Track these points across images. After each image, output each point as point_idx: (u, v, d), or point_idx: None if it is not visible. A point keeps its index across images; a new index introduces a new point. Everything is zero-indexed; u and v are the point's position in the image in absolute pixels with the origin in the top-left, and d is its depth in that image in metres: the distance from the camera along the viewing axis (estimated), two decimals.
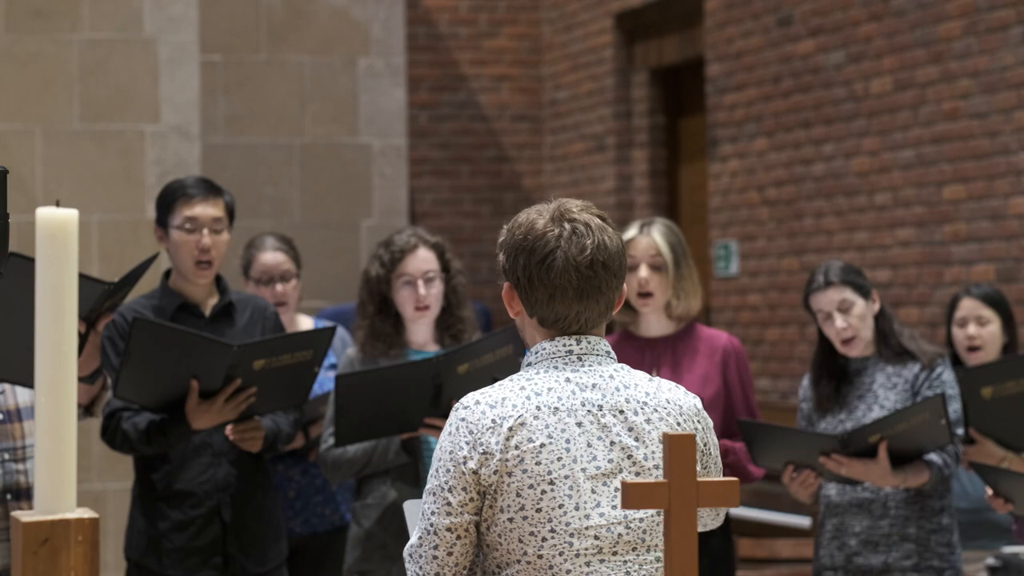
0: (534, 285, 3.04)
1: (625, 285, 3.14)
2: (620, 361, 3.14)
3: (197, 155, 7.09)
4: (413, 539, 3.05)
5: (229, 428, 4.85)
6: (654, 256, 5.03)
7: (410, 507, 3.35)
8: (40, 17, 6.96)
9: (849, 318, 5.12)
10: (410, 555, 3.05)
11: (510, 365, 4.81)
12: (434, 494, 3.01)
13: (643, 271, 5.01)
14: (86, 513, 2.33)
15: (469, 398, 3.04)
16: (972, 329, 5.54)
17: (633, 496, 2.52)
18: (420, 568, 3.02)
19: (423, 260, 5.03)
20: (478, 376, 4.72)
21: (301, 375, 4.84)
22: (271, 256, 5.79)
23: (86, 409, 4.48)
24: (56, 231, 2.37)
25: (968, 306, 5.58)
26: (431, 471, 3.04)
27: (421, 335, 5.08)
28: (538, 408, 2.99)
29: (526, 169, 11.09)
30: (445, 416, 4.73)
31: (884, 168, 8.10)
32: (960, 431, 5.02)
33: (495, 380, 4.39)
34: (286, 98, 8.40)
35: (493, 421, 2.98)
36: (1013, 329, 5.60)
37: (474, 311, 5.26)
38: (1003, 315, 5.57)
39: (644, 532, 2.99)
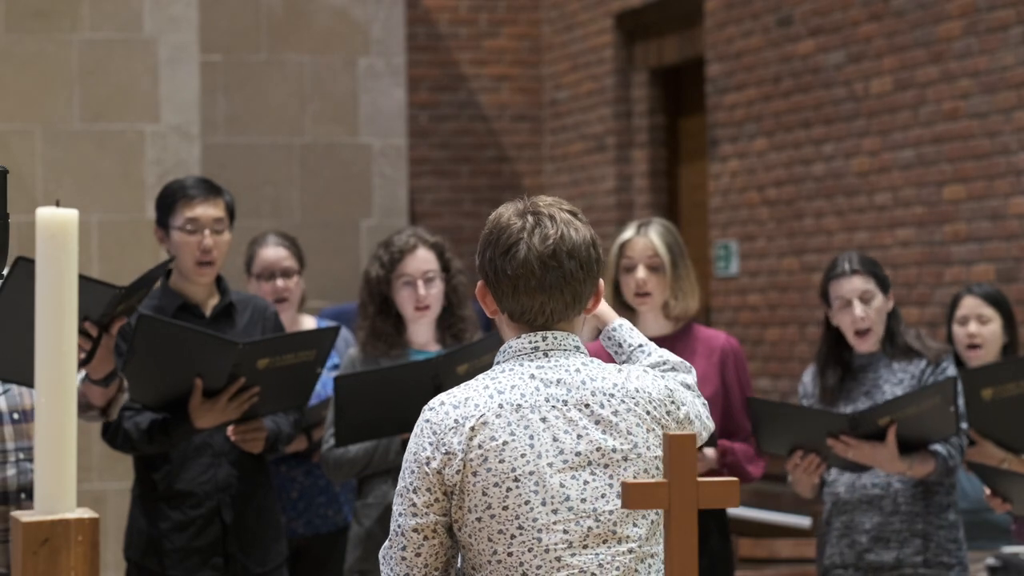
0: (499, 277, 3.05)
1: (600, 281, 3.13)
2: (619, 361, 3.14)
3: (197, 155, 7.09)
4: (386, 541, 3.06)
5: (231, 429, 4.85)
6: (651, 257, 5.03)
7: None
8: (40, 17, 6.96)
9: (868, 309, 5.10)
10: (382, 556, 3.06)
11: None
12: (401, 495, 3.01)
13: (640, 272, 5.01)
14: (86, 513, 2.33)
15: (435, 400, 3.04)
16: (973, 327, 5.54)
17: (633, 496, 2.52)
18: (391, 569, 3.03)
19: (423, 260, 5.03)
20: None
21: (304, 375, 4.85)
22: (272, 251, 5.81)
23: (102, 411, 4.48)
24: (56, 231, 2.36)
25: (970, 304, 5.58)
26: (400, 472, 3.05)
27: (422, 335, 5.08)
28: (500, 406, 2.98)
29: (526, 169, 11.09)
30: None
31: (884, 168, 8.10)
32: (964, 425, 5.02)
33: None
34: (286, 98, 8.40)
35: (456, 421, 2.98)
36: (1014, 329, 5.60)
37: (475, 311, 5.27)
38: (1004, 315, 5.57)
39: (614, 524, 2.98)
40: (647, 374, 3.09)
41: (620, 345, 3.34)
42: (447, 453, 2.97)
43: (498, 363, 3.09)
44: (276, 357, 4.72)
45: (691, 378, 3.26)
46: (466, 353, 4.80)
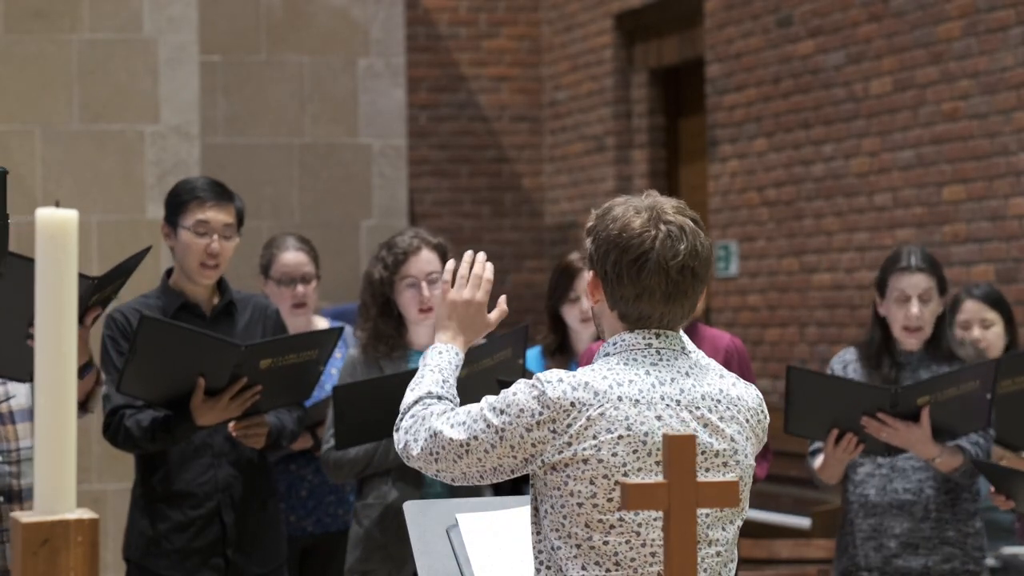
0: (623, 283, 3.06)
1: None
2: None
3: (197, 155, 7.09)
4: (438, 423, 3.12)
5: (232, 425, 4.85)
6: None
7: (411, 508, 3.35)
8: (40, 17, 6.96)
9: (925, 309, 5.04)
10: (403, 427, 3.20)
11: (509, 368, 4.82)
12: (482, 421, 3.06)
13: None
14: (86, 514, 2.33)
15: (552, 373, 3.05)
16: (977, 332, 5.52)
17: (633, 496, 2.52)
18: (428, 426, 3.15)
19: (426, 262, 5.03)
20: (477, 380, 4.72)
21: (306, 373, 4.85)
22: (293, 256, 5.78)
23: (80, 405, 4.48)
24: (56, 232, 2.36)
25: (971, 308, 5.56)
26: (492, 403, 3.08)
27: (424, 337, 5.07)
28: (619, 399, 3.01)
29: (526, 169, 11.09)
30: None
31: (884, 169, 8.10)
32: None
33: (498, 382, 4.41)
34: (286, 98, 8.40)
35: (572, 404, 3.00)
36: (1014, 329, 5.60)
37: None
38: (1005, 315, 5.56)
39: (708, 527, 3.03)
40: (742, 382, 3.14)
41: None
42: (554, 431, 3.00)
43: (607, 354, 3.10)
44: (279, 358, 4.72)
45: None
46: (465, 358, 4.78)
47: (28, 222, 2.74)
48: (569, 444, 2.99)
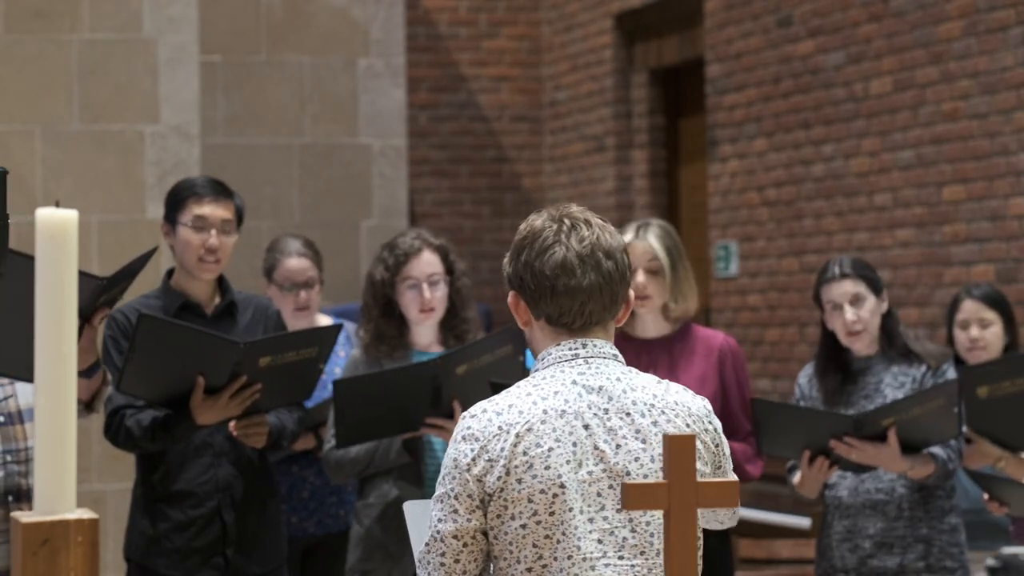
0: (537, 279, 3.04)
1: (631, 291, 3.13)
2: None
3: (197, 155, 7.09)
4: (421, 546, 3.05)
5: (233, 424, 4.85)
6: (651, 260, 5.03)
7: (411, 508, 3.35)
8: (40, 17, 6.96)
9: (860, 311, 5.10)
10: (419, 561, 3.06)
11: (510, 364, 4.82)
12: (441, 501, 3.01)
13: (640, 275, 5.01)
14: (86, 514, 2.33)
15: (477, 407, 3.04)
16: (975, 331, 5.53)
17: (633, 497, 2.52)
18: (428, 575, 3.02)
19: (428, 263, 5.03)
20: (478, 376, 4.72)
21: (306, 372, 4.85)
22: (296, 262, 5.80)
23: (86, 405, 4.48)
24: (56, 232, 2.36)
25: (970, 308, 5.57)
26: (439, 478, 3.04)
27: (425, 337, 5.08)
28: (545, 412, 2.98)
29: (526, 170, 11.09)
30: (446, 416, 4.73)
31: (884, 169, 8.10)
32: (963, 428, 5.02)
33: (491, 385, 4.41)
34: (286, 98, 8.40)
35: (499, 428, 2.98)
36: (1014, 330, 5.60)
37: (478, 313, 5.26)
38: (1004, 316, 5.57)
39: (652, 536, 2.99)
40: (687, 391, 3.10)
41: None
42: (490, 460, 2.97)
43: (537, 370, 3.08)
44: (278, 355, 4.73)
45: None
46: (465, 354, 4.79)
47: (28, 222, 2.74)
48: (504, 468, 2.95)
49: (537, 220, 3.10)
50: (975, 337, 5.52)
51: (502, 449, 2.96)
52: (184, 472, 4.92)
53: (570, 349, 3.05)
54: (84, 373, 4.36)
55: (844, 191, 8.37)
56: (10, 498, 4.19)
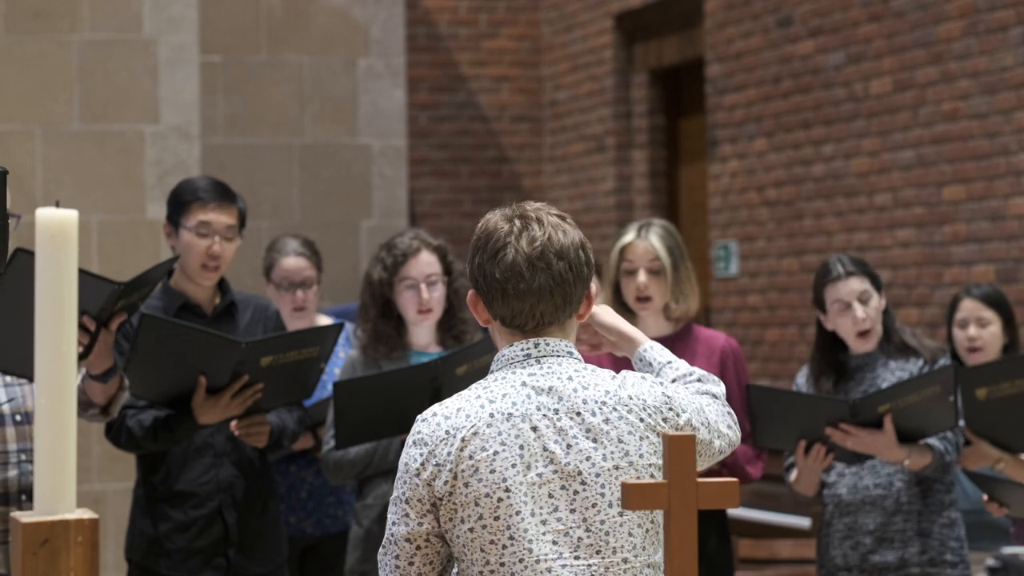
0: (489, 282, 3.02)
1: (593, 285, 3.11)
2: (617, 364, 3.12)
3: (197, 156, 7.09)
4: (381, 547, 3.06)
5: (234, 424, 4.85)
6: (652, 260, 5.03)
7: None
8: (40, 17, 6.96)
9: (868, 309, 5.07)
10: (379, 560, 3.06)
11: None
12: (394, 504, 3.01)
13: (641, 276, 5.01)
14: (86, 514, 2.33)
15: (428, 411, 3.03)
16: (973, 330, 5.53)
17: (633, 497, 2.52)
18: None
19: (426, 263, 5.03)
20: (478, 377, 4.71)
21: (307, 371, 4.85)
22: (293, 262, 5.80)
23: (103, 409, 4.48)
24: (56, 232, 2.36)
25: (969, 307, 5.57)
26: (395, 481, 3.04)
27: (423, 337, 5.08)
28: (491, 415, 2.97)
29: (526, 170, 11.10)
30: None
31: (884, 169, 8.10)
32: (960, 423, 5.02)
33: None
34: (286, 98, 8.40)
35: (447, 432, 2.97)
36: (1014, 330, 5.60)
37: None
38: (1004, 316, 5.56)
39: (606, 534, 2.96)
40: (644, 381, 3.06)
41: (650, 364, 3.30)
42: (437, 464, 2.95)
43: (492, 372, 3.07)
44: (280, 355, 4.73)
45: (718, 389, 3.23)
46: (465, 355, 4.80)
47: (28, 222, 2.74)
48: (452, 472, 2.94)
49: (492, 219, 3.06)
50: (973, 336, 5.52)
51: (449, 454, 2.95)
52: (185, 472, 4.92)
53: (522, 350, 3.03)
54: (100, 377, 4.36)
55: (844, 191, 8.37)
56: (23, 497, 4.19)
